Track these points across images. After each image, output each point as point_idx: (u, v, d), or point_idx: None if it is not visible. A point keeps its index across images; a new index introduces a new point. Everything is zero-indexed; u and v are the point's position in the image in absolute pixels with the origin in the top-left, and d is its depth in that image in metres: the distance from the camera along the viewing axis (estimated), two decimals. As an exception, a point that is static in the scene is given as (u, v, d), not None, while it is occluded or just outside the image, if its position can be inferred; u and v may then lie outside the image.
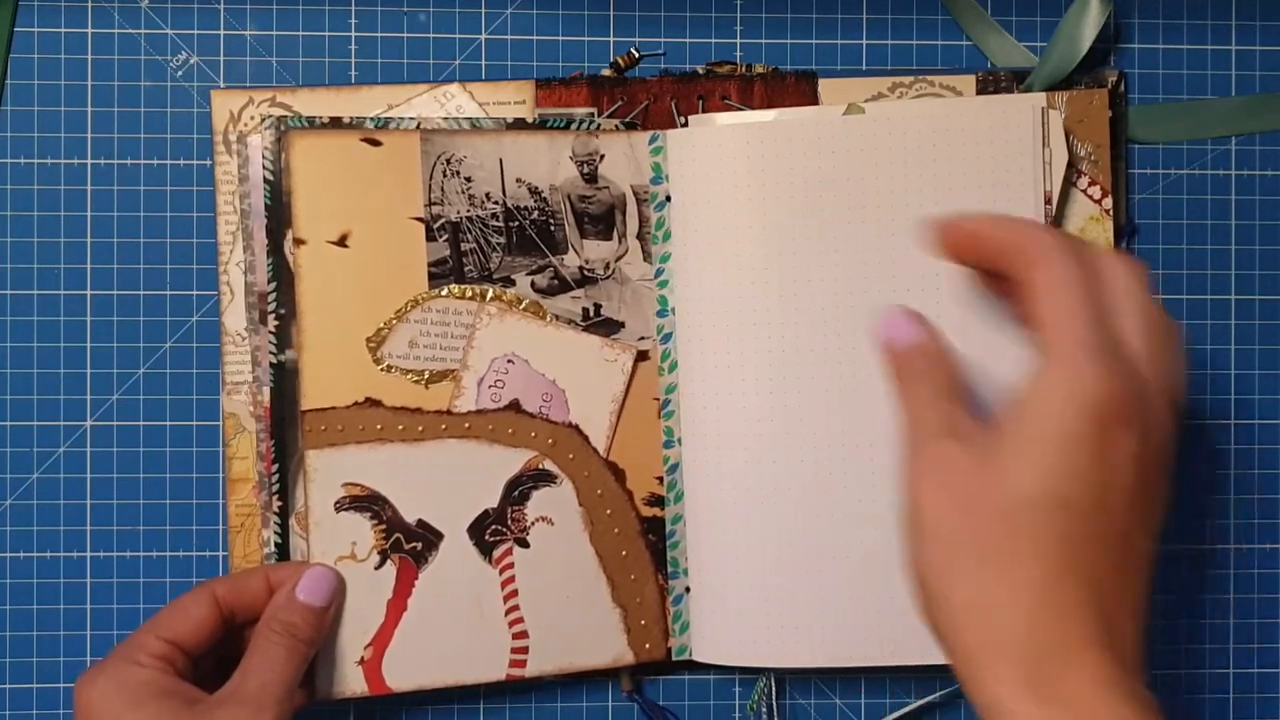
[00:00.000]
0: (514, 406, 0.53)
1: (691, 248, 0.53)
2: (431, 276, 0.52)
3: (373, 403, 0.52)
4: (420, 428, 0.52)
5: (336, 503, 0.52)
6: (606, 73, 0.55)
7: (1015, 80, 0.54)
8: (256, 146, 0.52)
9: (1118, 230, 0.54)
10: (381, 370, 0.52)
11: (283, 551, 0.52)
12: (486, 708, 0.56)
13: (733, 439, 0.53)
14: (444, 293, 0.53)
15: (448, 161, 0.52)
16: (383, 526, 0.52)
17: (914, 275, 0.51)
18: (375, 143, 0.52)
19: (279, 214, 0.51)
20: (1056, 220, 0.53)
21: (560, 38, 0.56)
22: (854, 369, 0.51)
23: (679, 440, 0.53)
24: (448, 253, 0.53)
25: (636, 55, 0.55)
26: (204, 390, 0.55)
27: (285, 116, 0.51)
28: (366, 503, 0.52)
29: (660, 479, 0.54)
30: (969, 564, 0.37)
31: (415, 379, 0.52)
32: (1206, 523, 0.56)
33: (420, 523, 0.52)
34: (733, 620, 0.53)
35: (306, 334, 0.51)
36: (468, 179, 0.52)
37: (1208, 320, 0.56)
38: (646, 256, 0.53)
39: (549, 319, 0.53)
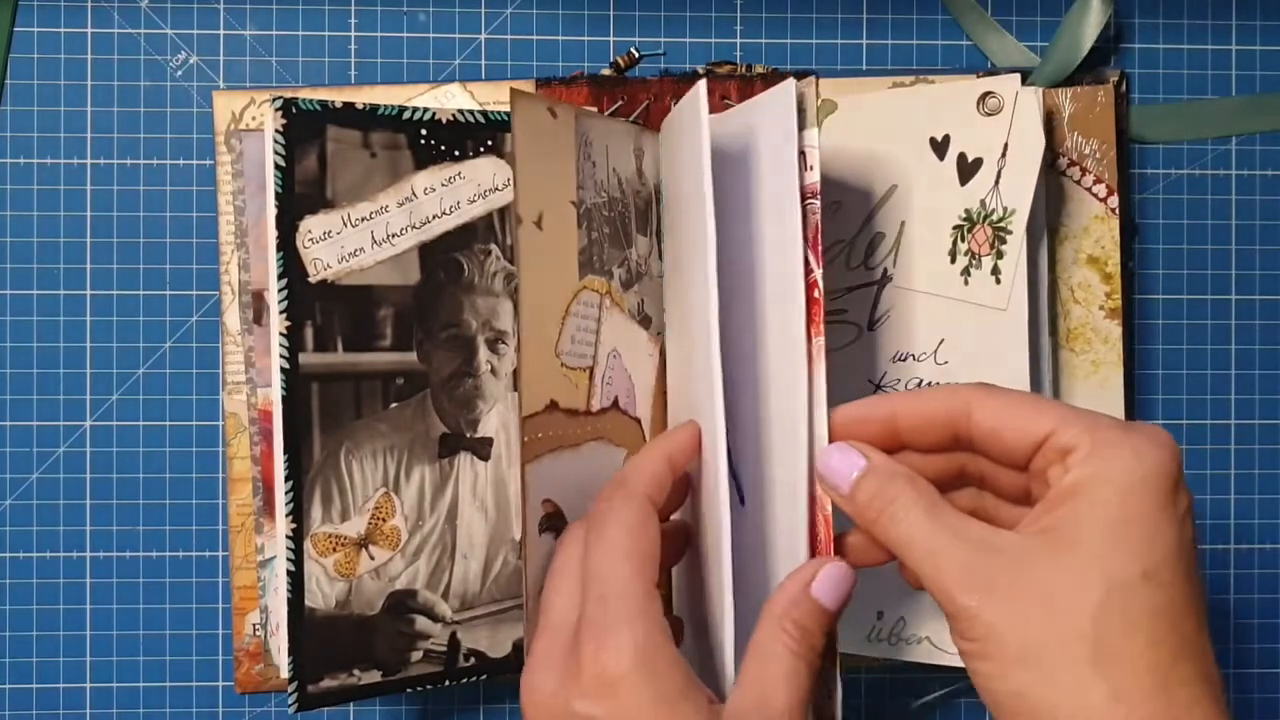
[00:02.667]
0: (615, 404, 0.48)
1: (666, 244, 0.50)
2: (579, 266, 0.47)
3: (554, 406, 0.46)
4: (577, 430, 0.46)
5: (539, 522, 0.45)
6: (606, 72, 0.55)
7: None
8: (254, 144, 0.51)
9: (1122, 228, 0.54)
10: (560, 369, 0.46)
11: (296, 581, 0.48)
12: (486, 708, 0.56)
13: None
14: (586, 284, 0.47)
15: (587, 144, 0.47)
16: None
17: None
18: (553, 114, 0.46)
19: (290, 203, 0.48)
20: (1051, 219, 0.52)
21: (560, 37, 0.56)
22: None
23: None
24: (587, 241, 0.47)
25: (636, 55, 0.55)
26: (204, 390, 0.55)
27: (295, 99, 0.48)
28: (554, 522, 0.45)
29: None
30: (1078, 672, 0.35)
31: (573, 378, 0.46)
32: (1207, 523, 0.56)
33: None
34: None
35: (530, 327, 0.44)
36: (593, 163, 0.48)
37: (1208, 320, 0.56)
38: (660, 253, 0.52)
39: (628, 313, 0.49)
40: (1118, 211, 0.53)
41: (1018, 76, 0.48)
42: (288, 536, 0.48)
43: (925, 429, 0.40)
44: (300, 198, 0.48)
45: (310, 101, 0.48)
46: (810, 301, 0.41)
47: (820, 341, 0.41)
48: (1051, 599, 0.35)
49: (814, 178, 0.42)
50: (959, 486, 0.42)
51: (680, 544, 0.45)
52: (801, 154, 0.42)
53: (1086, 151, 0.53)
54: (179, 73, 0.55)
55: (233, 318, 0.53)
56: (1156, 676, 0.34)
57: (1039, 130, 0.48)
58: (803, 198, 0.42)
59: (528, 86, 0.54)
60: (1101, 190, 0.53)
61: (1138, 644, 0.34)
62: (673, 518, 0.46)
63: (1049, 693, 0.35)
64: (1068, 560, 0.35)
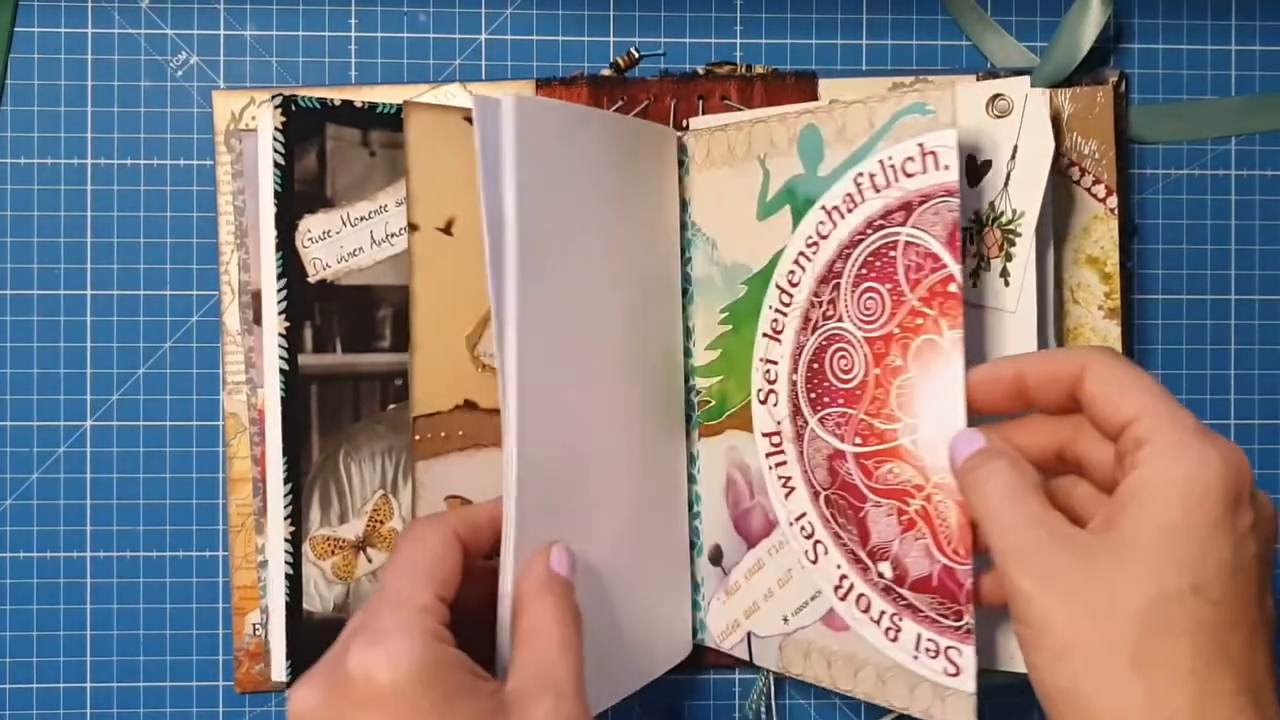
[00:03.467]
0: None
1: None
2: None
3: (470, 406, 0.49)
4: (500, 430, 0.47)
5: None
6: (606, 73, 0.55)
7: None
8: (253, 144, 0.51)
9: (1122, 229, 0.54)
10: (478, 371, 0.49)
11: (294, 584, 0.48)
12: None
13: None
14: None
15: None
16: None
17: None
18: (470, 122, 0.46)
19: (290, 201, 0.48)
20: (1058, 222, 0.52)
21: (560, 38, 0.56)
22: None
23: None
24: None
25: (636, 55, 0.55)
26: (204, 390, 0.55)
27: (295, 96, 0.48)
28: None
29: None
30: (1117, 670, 0.36)
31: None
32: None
33: None
34: None
35: (422, 329, 0.48)
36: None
37: (1208, 320, 0.56)
38: None
39: None
40: (1117, 212, 0.53)
41: (1027, 79, 0.48)
42: (286, 539, 0.48)
43: (1048, 387, 0.41)
44: (300, 196, 0.48)
45: (309, 99, 0.48)
46: (948, 296, 0.43)
47: (959, 334, 0.43)
48: (1102, 597, 0.36)
49: (952, 177, 0.43)
50: (1059, 472, 0.43)
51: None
52: (933, 154, 0.44)
53: (1086, 152, 0.53)
54: (179, 73, 0.55)
55: (233, 318, 0.53)
56: (1194, 686, 0.35)
57: (1048, 132, 0.48)
58: (942, 196, 0.44)
59: (527, 87, 0.54)
60: (1101, 190, 0.53)
61: (1180, 652, 0.35)
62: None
63: (1089, 687, 0.36)
64: (1122, 562, 0.36)
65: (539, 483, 0.44)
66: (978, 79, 0.54)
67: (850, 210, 0.47)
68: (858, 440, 0.47)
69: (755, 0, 0.56)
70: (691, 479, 0.54)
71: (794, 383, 0.49)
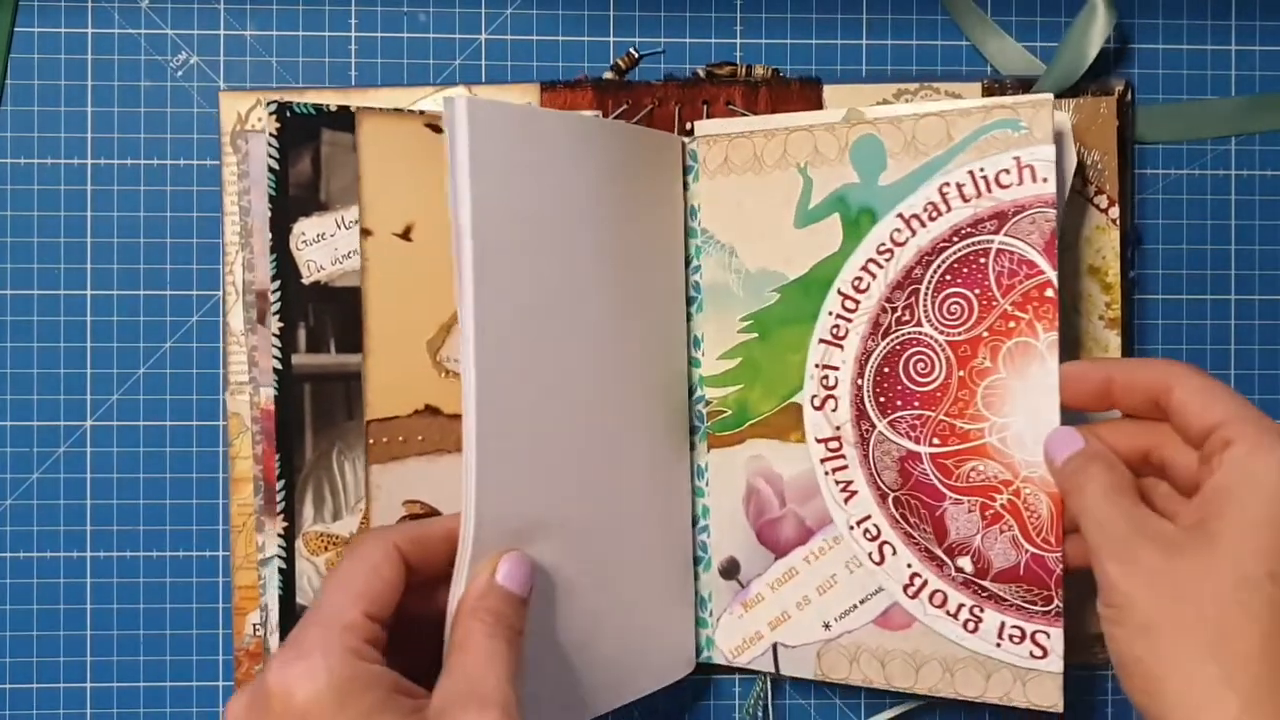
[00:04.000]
0: None
1: None
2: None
3: (432, 411, 0.49)
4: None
5: (402, 521, 0.49)
6: (608, 76, 0.55)
7: (1022, 87, 0.54)
8: (259, 144, 0.51)
9: (1123, 239, 0.54)
10: (441, 376, 0.50)
11: (288, 578, 0.49)
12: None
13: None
14: None
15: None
16: None
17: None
18: (438, 129, 0.49)
19: (285, 207, 0.49)
20: (1063, 231, 0.52)
21: (560, 38, 0.55)
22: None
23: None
24: None
25: (636, 55, 0.55)
26: (204, 390, 0.55)
27: (290, 103, 0.48)
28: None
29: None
30: (1191, 648, 0.38)
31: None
32: (1206, 523, 0.56)
33: None
34: None
35: (375, 336, 0.49)
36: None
37: (1208, 320, 0.56)
38: None
39: None
40: (1118, 222, 0.53)
41: (1050, 96, 0.48)
42: (279, 535, 0.49)
43: (1132, 394, 0.44)
44: (294, 200, 0.49)
45: (305, 105, 0.48)
46: (1044, 300, 0.47)
47: (1054, 336, 0.46)
48: (1184, 583, 0.39)
49: (1050, 189, 0.47)
50: (1142, 474, 0.45)
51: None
52: (1030, 168, 0.47)
53: (1088, 162, 0.53)
54: (179, 73, 0.55)
55: (236, 318, 0.53)
56: (1266, 666, 0.37)
57: (1071, 148, 0.49)
58: (1040, 207, 0.47)
59: (531, 90, 0.54)
60: (1103, 201, 0.53)
61: (1254, 635, 0.38)
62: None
63: (1164, 665, 0.39)
64: (1206, 553, 0.39)
65: (500, 496, 0.43)
66: (983, 86, 0.54)
67: (933, 219, 0.49)
68: (935, 441, 0.49)
69: (755, 0, 0.56)
70: (699, 492, 0.54)
71: (859, 387, 0.50)
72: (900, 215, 0.49)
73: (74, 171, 0.54)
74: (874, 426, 0.50)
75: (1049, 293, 0.47)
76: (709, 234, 0.53)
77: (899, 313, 0.50)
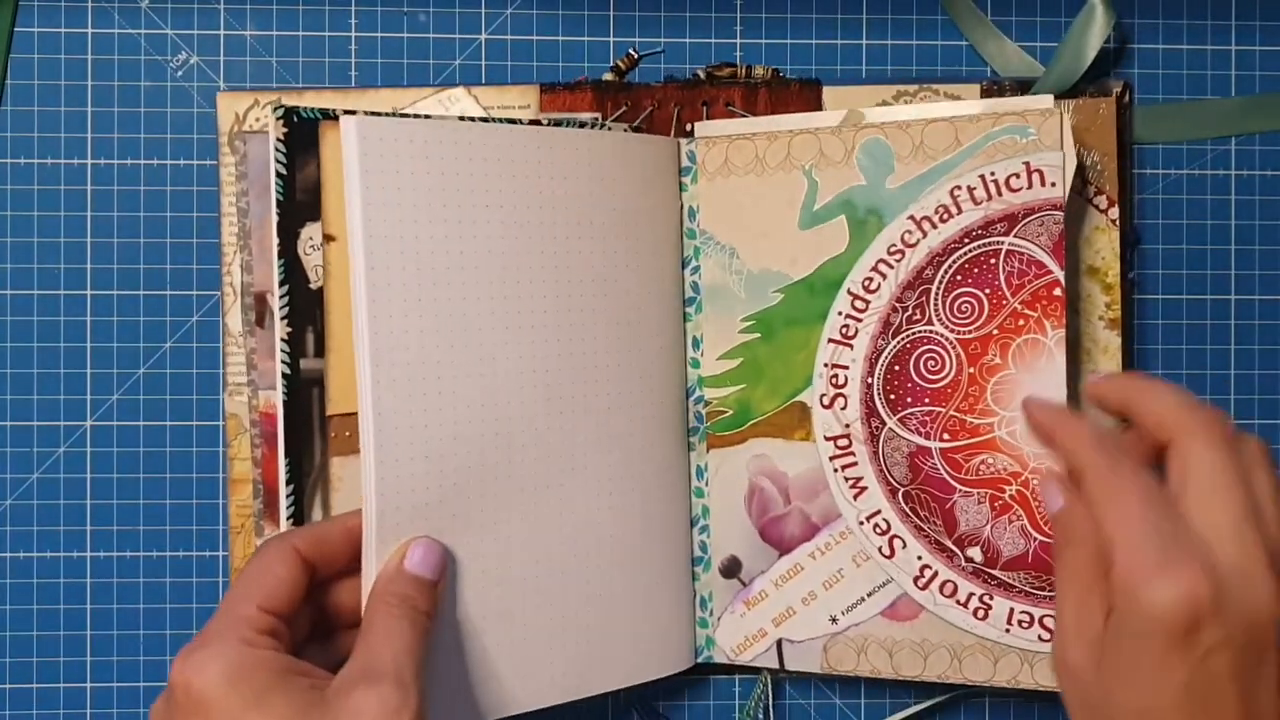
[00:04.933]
0: None
1: None
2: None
3: None
4: None
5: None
6: (608, 77, 0.55)
7: (1020, 89, 0.54)
8: (258, 146, 0.51)
9: (1122, 239, 0.54)
10: None
11: None
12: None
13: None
14: None
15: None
16: None
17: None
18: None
19: (292, 210, 0.48)
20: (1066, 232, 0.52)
21: (560, 38, 0.56)
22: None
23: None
24: None
25: (635, 56, 0.55)
26: (204, 390, 0.55)
27: (297, 107, 0.48)
28: None
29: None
30: None
31: None
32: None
33: None
34: None
35: (335, 336, 0.49)
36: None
37: (1208, 320, 0.56)
38: None
39: None
40: (1118, 223, 0.53)
41: (1050, 98, 0.50)
42: None
43: (1142, 426, 0.44)
44: (301, 205, 0.49)
45: (311, 110, 0.48)
46: (1053, 299, 0.49)
47: (1062, 333, 0.49)
48: (1094, 707, 0.41)
49: (1059, 193, 0.49)
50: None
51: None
52: (1040, 172, 0.49)
53: (1087, 163, 0.53)
54: (179, 73, 0.55)
55: (234, 319, 0.53)
56: None
57: (1071, 150, 0.50)
58: (1049, 210, 0.49)
59: (530, 92, 0.54)
60: (1102, 202, 0.53)
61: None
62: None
63: None
64: (1105, 676, 0.41)
65: (399, 487, 0.46)
66: (982, 88, 0.54)
67: (944, 220, 0.50)
68: (945, 436, 0.51)
69: (755, 0, 0.56)
70: (698, 492, 0.54)
71: (869, 385, 0.52)
72: (911, 217, 0.51)
73: (74, 171, 0.54)
74: (884, 423, 0.51)
75: (1057, 291, 0.49)
76: (708, 235, 0.53)
77: (909, 312, 0.51)
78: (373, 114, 0.47)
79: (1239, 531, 0.40)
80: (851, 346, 0.52)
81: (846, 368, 0.52)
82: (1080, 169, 0.52)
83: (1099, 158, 0.53)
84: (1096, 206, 0.53)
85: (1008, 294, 0.50)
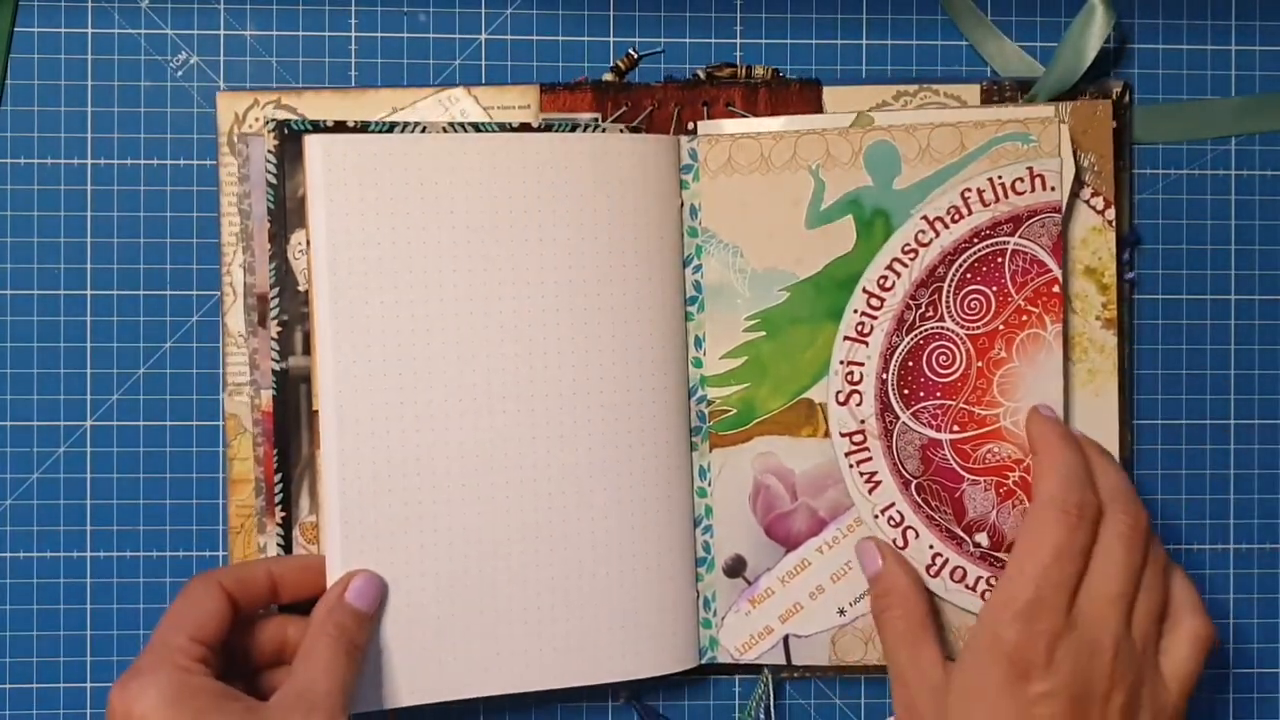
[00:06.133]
0: None
1: None
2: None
3: None
4: None
5: None
6: (608, 78, 0.55)
7: (1020, 89, 0.54)
8: (259, 147, 0.52)
9: (1119, 241, 0.54)
10: None
11: None
12: (485, 703, 0.56)
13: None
14: None
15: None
16: None
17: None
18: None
19: (282, 218, 0.51)
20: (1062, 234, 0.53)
21: (560, 38, 0.56)
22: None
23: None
24: None
25: (635, 56, 0.55)
26: (204, 390, 0.55)
27: (288, 120, 0.51)
28: None
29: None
30: None
31: None
32: (1206, 523, 0.56)
33: None
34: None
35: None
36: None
37: (1208, 320, 0.56)
38: None
39: None
40: (1115, 224, 0.53)
41: (1051, 109, 0.53)
42: (279, 524, 0.52)
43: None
44: (291, 212, 0.51)
45: (302, 122, 0.51)
46: (1052, 296, 0.52)
47: (1059, 328, 0.52)
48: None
49: (1057, 197, 0.52)
50: None
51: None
52: (1041, 177, 0.52)
53: (1085, 164, 0.53)
54: (179, 73, 0.55)
55: (234, 319, 0.53)
56: None
57: (1069, 157, 0.52)
58: (1049, 212, 0.52)
59: (530, 92, 0.54)
60: (1099, 203, 0.53)
61: None
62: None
63: None
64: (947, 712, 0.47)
65: (364, 522, 0.50)
66: (982, 89, 0.54)
67: (955, 221, 0.52)
68: (955, 428, 0.53)
69: (755, 1, 0.56)
70: (700, 492, 0.54)
71: (883, 381, 0.53)
72: (925, 218, 0.53)
73: (74, 171, 0.54)
74: (898, 418, 0.53)
75: (1055, 289, 0.52)
76: (711, 233, 0.53)
77: (923, 309, 0.53)
78: (342, 129, 0.51)
79: (1113, 602, 0.45)
80: (867, 344, 0.53)
81: (862, 364, 0.53)
82: (1077, 171, 0.53)
83: (1095, 160, 0.53)
84: (1093, 208, 0.53)
85: (1012, 291, 0.52)
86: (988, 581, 0.52)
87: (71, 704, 0.55)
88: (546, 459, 0.51)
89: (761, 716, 0.55)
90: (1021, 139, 0.52)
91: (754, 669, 0.55)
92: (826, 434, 0.53)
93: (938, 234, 0.52)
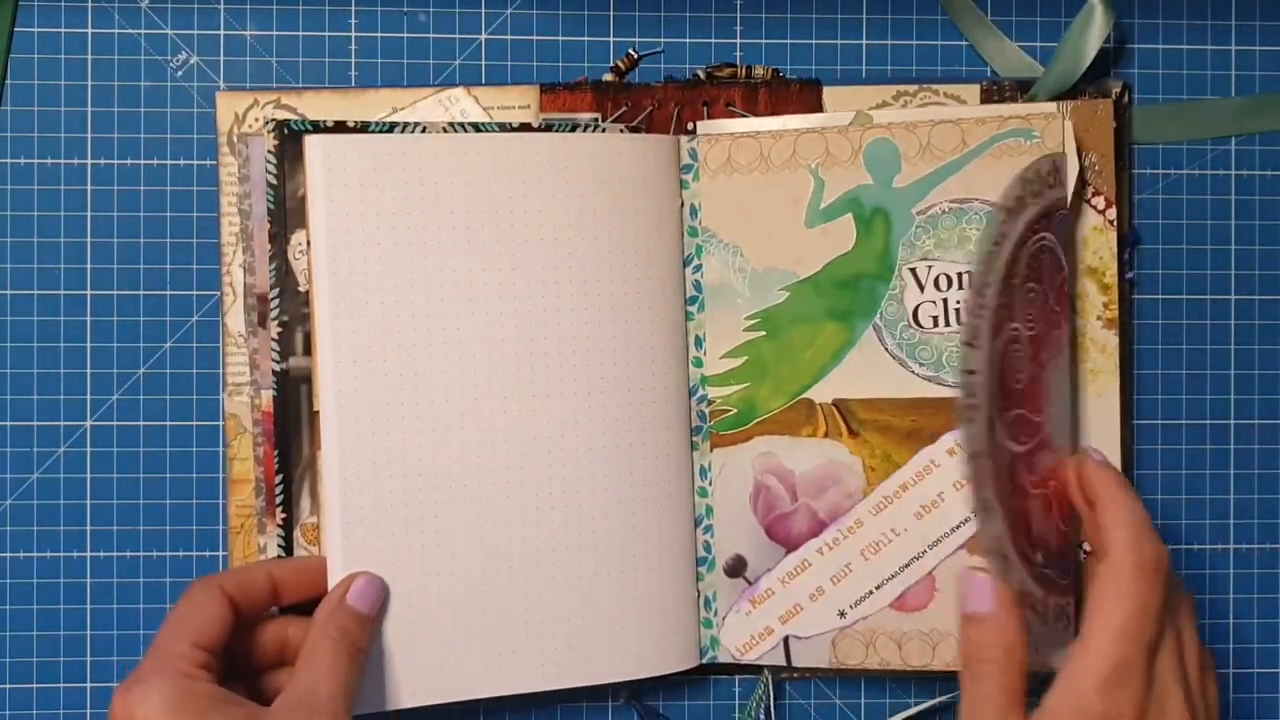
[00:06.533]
0: None
1: None
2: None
3: None
4: None
5: None
6: (608, 78, 0.55)
7: (1020, 89, 0.54)
8: (259, 147, 0.52)
9: (1120, 240, 0.54)
10: None
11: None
12: (484, 703, 0.56)
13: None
14: None
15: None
16: None
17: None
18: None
19: (282, 218, 0.51)
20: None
21: (560, 38, 0.56)
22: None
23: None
24: None
25: (635, 56, 0.55)
26: (204, 390, 0.55)
27: (288, 120, 0.51)
28: None
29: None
30: None
31: None
32: (1206, 523, 0.56)
33: None
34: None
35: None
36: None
37: (1208, 320, 0.56)
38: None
39: None
40: (1115, 223, 0.53)
41: (1054, 105, 0.51)
42: (279, 525, 0.52)
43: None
44: (291, 213, 0.51)
45: (301, 122, 0.51)
46: (1063, 294, 0.50)
47: (1068, 329, 0.51)
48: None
49: (1063, 193, 0.50)
50: None
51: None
52: (1056, 170, 0.50)
53: (1085, 164, 0.53)
54: (179, 73, 0.55)
55: (234, 319, 0.53)
56: None
57: (1073, 156, 0.51)
58: (1063, 210, 0.50)
59: (530, 92, 0.54)
60: (1100, 202, 0.53)
61: None
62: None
63: None
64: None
65: (366, 525, 0.50)
66: (982, 88, 0.54)
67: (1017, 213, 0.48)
68: (1024, 439, 0.46)
69: (755, 1, 0.56)
70: (701, 492, 0.54)
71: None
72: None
73: (74, 171, 0.54)
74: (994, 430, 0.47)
75: (1066, 287, 0.51)
76: (711, 233, 0.53)
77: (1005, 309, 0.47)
78: (342, 129, 0.51)
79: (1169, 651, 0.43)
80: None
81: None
82: (1078, 170, 0.53)
83: (1096, 159, 0.53)
84: (1094, 207, 0.53)
85: (1050, 291, 0.49)
86: (1043, 601, 0.47)
87: (71, 704, 0.55)
88: (547, 459, 0.51)
89: (761, 717, 0.55)
90: (1024, 135, 0.51)
91: (754, 669, 0.55)
92: (826, 434, 0.53)
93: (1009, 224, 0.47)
